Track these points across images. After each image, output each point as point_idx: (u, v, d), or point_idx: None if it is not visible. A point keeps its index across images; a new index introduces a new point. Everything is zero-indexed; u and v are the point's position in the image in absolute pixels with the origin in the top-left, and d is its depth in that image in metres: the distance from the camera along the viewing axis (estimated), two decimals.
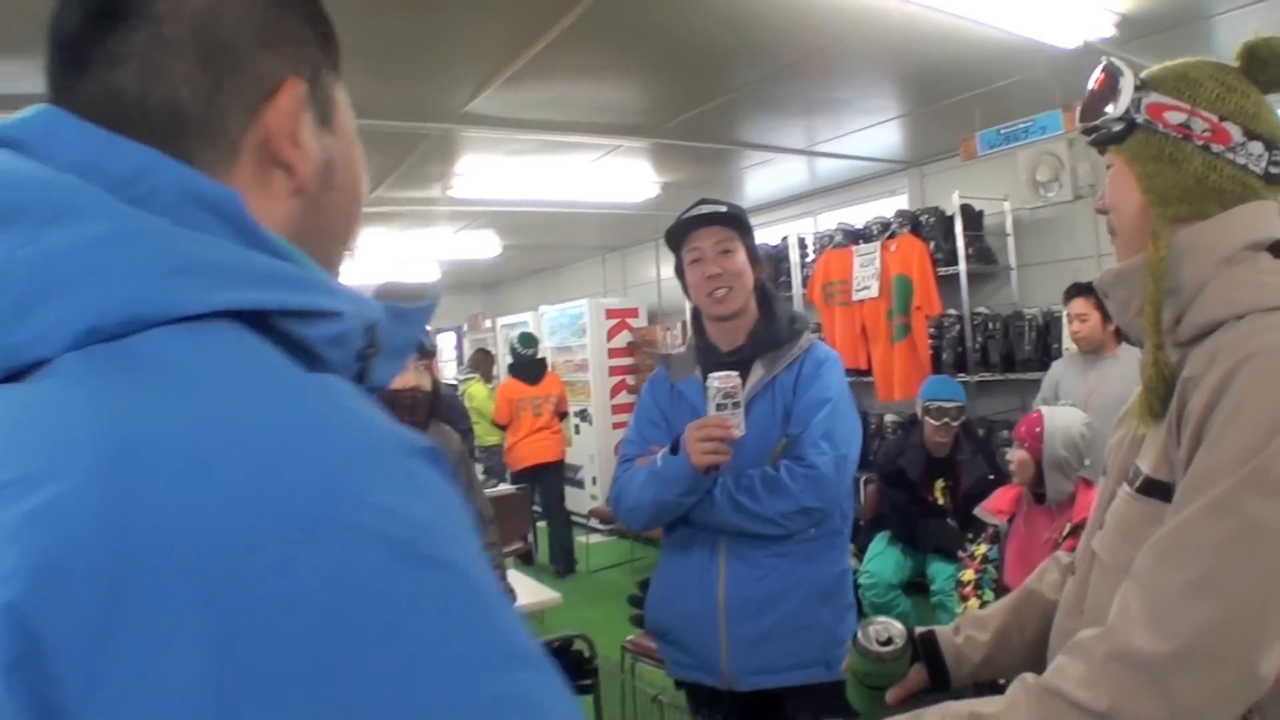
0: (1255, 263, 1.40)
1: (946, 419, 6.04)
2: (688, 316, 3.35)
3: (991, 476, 6.02)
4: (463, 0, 4.26)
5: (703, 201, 2.98)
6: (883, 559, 6.18)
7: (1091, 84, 1.62)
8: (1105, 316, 5.27)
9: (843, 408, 2.81)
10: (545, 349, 12.14)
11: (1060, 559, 1.89)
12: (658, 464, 2.74)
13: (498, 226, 10.80)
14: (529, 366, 10.10)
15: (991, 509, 4.77)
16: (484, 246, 11.89)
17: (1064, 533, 4.22)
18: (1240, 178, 1.45)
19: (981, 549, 4.75)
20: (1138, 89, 1.53)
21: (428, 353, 3.49)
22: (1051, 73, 5.49)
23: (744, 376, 2.79)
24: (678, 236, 2.99)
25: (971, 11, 4.50)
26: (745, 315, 2.95)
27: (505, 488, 8.66)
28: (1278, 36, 1.48)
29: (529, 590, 5.13)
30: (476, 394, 11.41)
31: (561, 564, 9.55)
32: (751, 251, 2.96)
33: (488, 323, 15.41)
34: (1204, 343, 1.37)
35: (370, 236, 10.84)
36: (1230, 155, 1.45)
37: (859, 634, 1.82)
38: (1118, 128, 1.55)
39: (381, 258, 12.14)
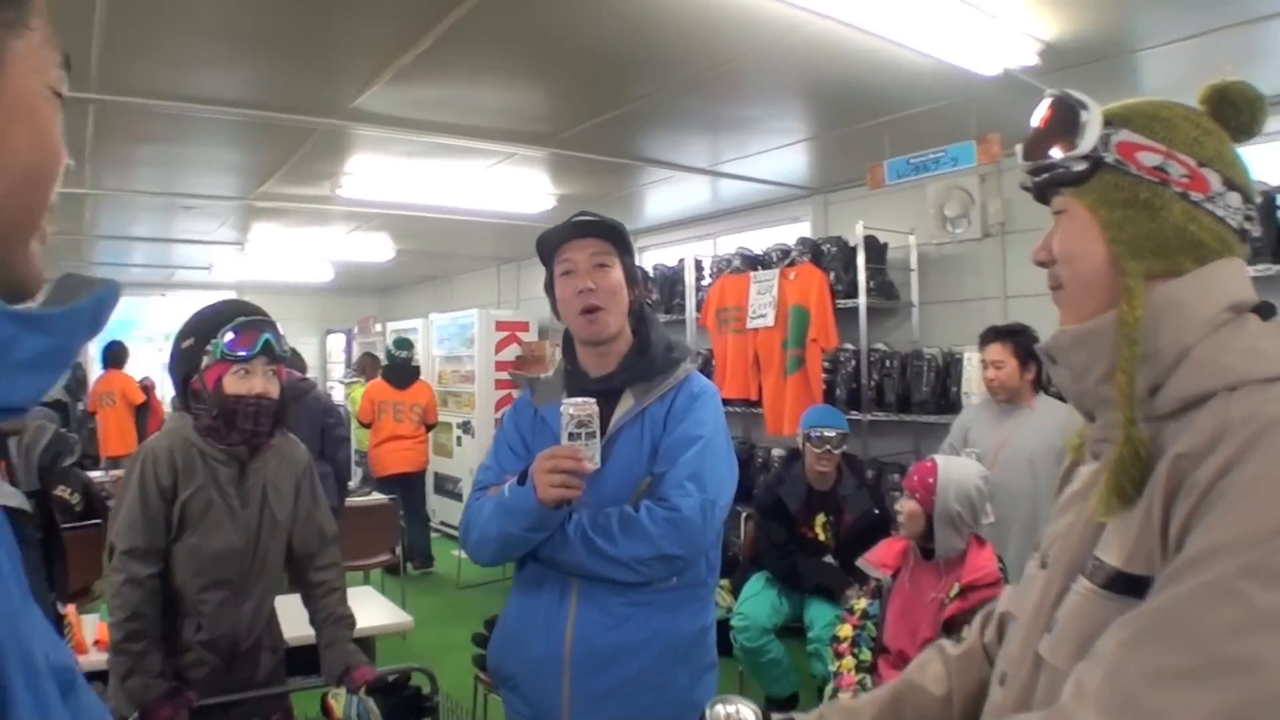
0: (1242, 325, 1.24)
1: (828, 446, 5.79)
2: None
3: (877, 511, 5.86)
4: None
5: (581, 214, 2.76)
6: (758, 601, 5.90)
7: (1037, 120, 1.46)
8: (1022, 364, 5.10)
9: (716, 447, 2.61)
10: (434, 357, 12.48)
11: (946, 649, 1.69)
12: (505, 495, 2.53)
13: (391, 230, 10.72)
14: (400, 370, 10.07)
15: (875, 561, 4.49)
16: (377, 249, 11.86)
17: (951, 593, 3.99)
18: (1218, 231, 1.32)
19: (861, 603, 4.47)
20: (1107, 125, 1.34)
21: (278, 357, 3.23)
22: (967, 101, 5.31)
23: (612, 406, 2.64)
24: (549, 247, 2.76)
25: (887, 31, 4.25)
26: (619, 340, 2.75)
27: (377, 497, 8.62)
28: (1244, 81, 1.36)
29: (380, 612, 4.91)
30: (360, 397, 11.14)
31: (419, 560, 9.84)
32: (629, 270, 2.76)
33: (378, 327, 15.37)
34: (1192, 415, 1.21)
35: (259, 232, 10.69)
36: (1209, 205, 1.31)
37: (706, 713, 1.68)
38: (1079, 168, 1.37)
39: (271, 254, 12.02)
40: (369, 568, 8.12)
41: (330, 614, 3.44)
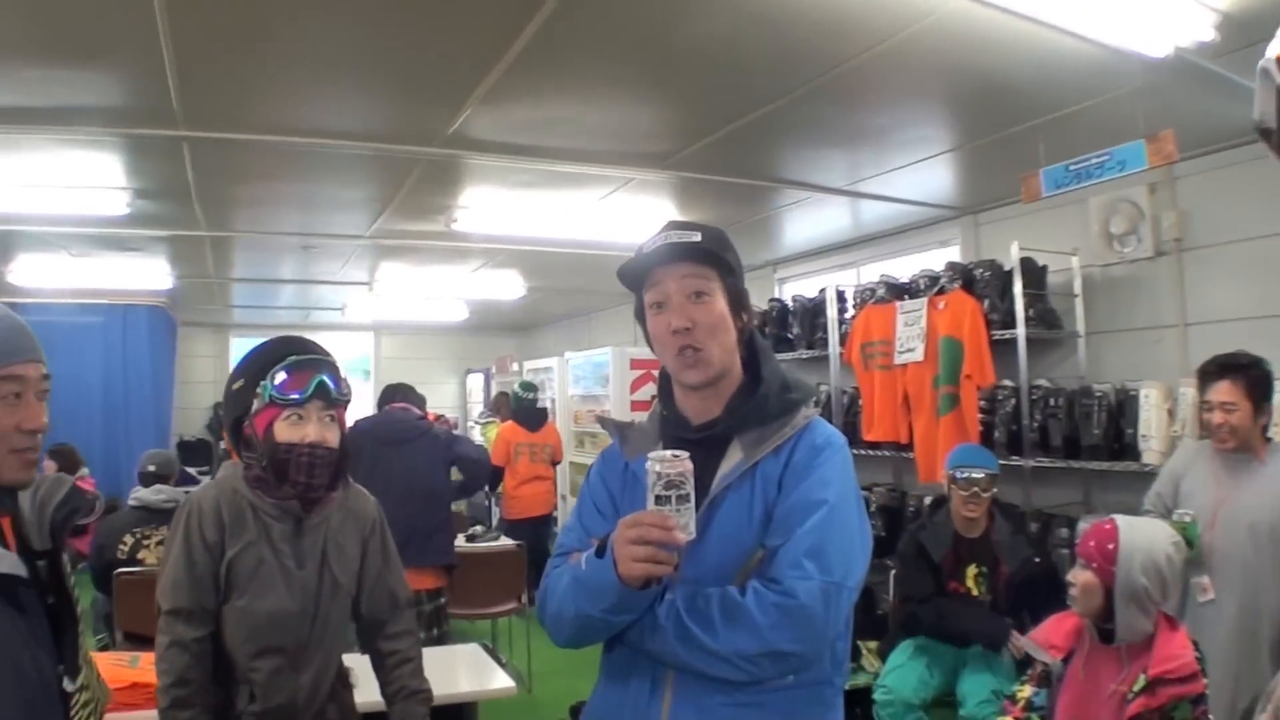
0: None
1: (976, 489, 5.23)
2: None
3: (1038, 559, 5.28)
4: (426, 11, 3.84)
5: (670, 226, 2.27)
6: (904, 672, 5.29)
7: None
8: (1256, 407, 4.27)
9: (843, 514, 2.12)
10: (569, 396, 12.49)
11: None
12: (581, 568, 2.11)
13: (519, 266, 10.52)
14: (530, 413, 10.12)
15: (1043, 641, 3.74)
16: (507, 287, 11.63)
17: (1136, 686, 3.26)
18: None
19: (1026, 691, 3.74)
20: None
21: (334, 401, 2.89)
22: (1133, 93, 4.58)
23: (716, 460, 2.19)
24: (635, 274, 2.29)
25: (1034, 8, 3.59)
26: (727, 378, 2.27)
27: (505, 543, 8.37)
28: None
29: (482, 675, 4.44)
30: (495, 438, 11.15)
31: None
32: (734, 294, 2.27)
33: (515, 366, 15.24)
34: None
35: (386, 271, 10.63)
36: None
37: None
38: None
39: (400, 293, 11.93)
40: (494, 616, 7.82)
41: (402, 688, 3.12)
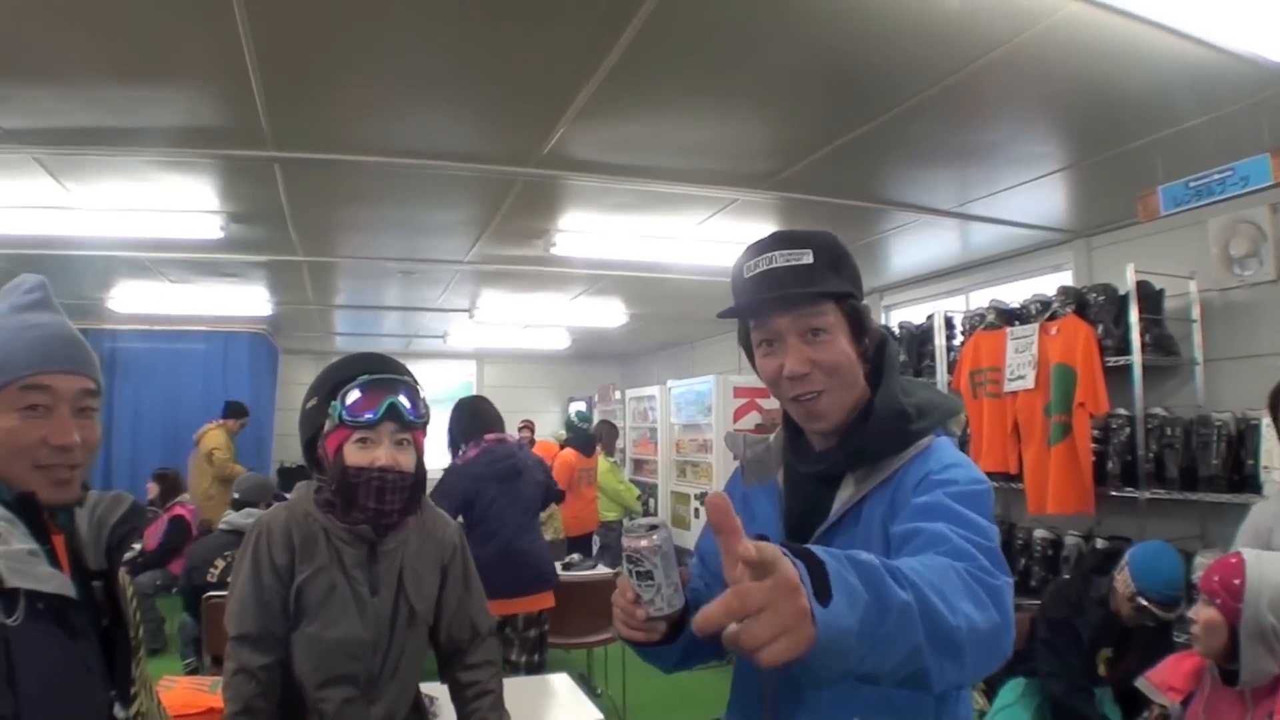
0: None
1: (1145, 621, 4.69)
2: None
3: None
4: (517, 25, 3.75)
5: (775, 243, 1.96)
6: (1014, 712, 5.03)
7: None
8: None
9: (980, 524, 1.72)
10: (671, 425, 12.55)
11: None
12: None
13: (621, 293, 10.47)
14: (585, 439, 10.71)
15: (1160, 683, 3.51)
16: (608, 314, 11.63)
17: None
18: None
19: None
20: None
21: (410, 424, 2.76)
22: (1256, 105, 4.35)
23: (832, 495, 1.94)
24: (738, 307, 2.01)
25: (1157, 11, 3.37)
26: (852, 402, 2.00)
27: (602, 570, 8.21)
28: None
29: (569, 709, 4.24)
30: (599, 465, 11.26)
31: None
32: (855, 320, 1.97)
33: (618, 395, 15.27)
34: None
35: (487, 298, 10.71)
36: None
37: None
38: None
39: (501, 320, 12.00)
40: (590, 645, 7.68)
41: None
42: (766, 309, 1.93)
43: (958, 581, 1.51)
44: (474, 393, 16.12)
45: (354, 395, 2.69)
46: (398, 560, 2.86)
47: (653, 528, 1.70)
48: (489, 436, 6.02)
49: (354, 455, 2.69)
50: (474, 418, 6.15)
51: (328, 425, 2.73)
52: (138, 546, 7.93)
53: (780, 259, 1.93)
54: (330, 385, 2.76)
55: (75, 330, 1.96)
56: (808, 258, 1.92)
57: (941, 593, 1.44)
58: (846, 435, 1.97)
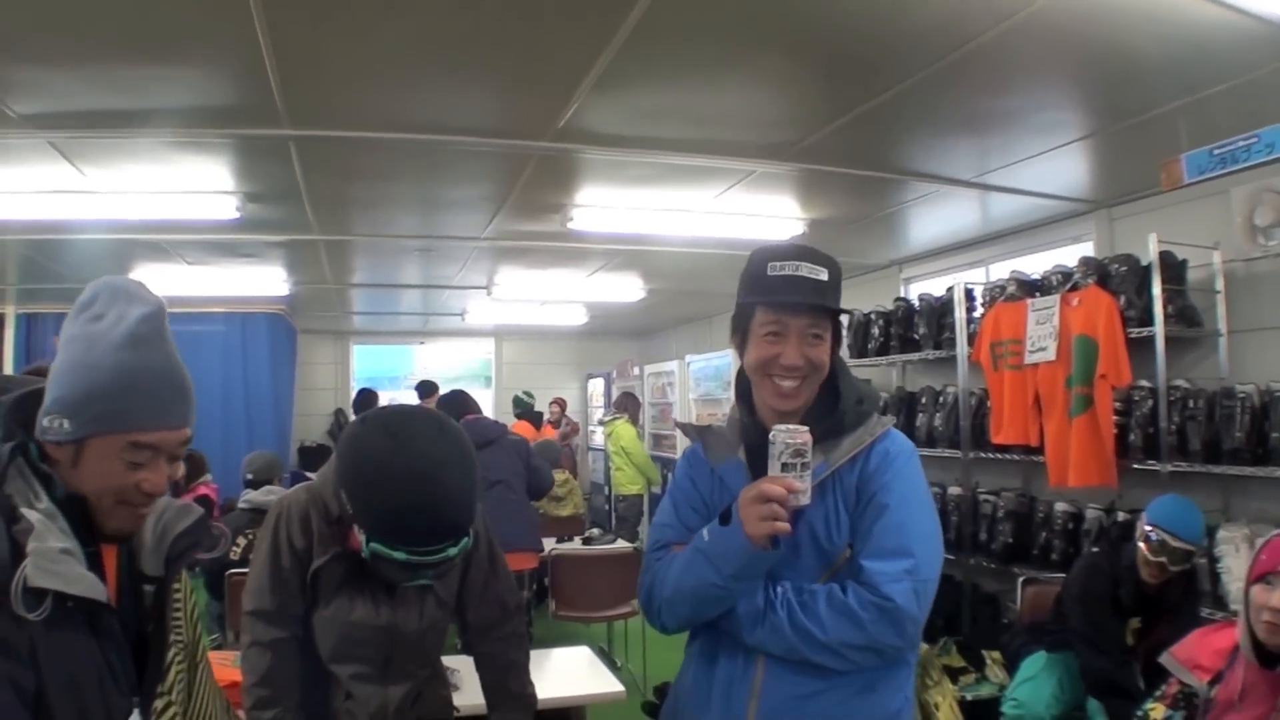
0: None
1: (1164, 559, 4.76)
2: None
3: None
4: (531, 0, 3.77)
5: (801, 255, 2.41)
6: (1037, 685, 5.06)
7: None
8: None
9: (919, 518, 2.38)
10: (690, 400, 12.99)
11: None
12: (704, 539, 2.33)
13: (637, 268, 10.43)
14: (531, 414, 12.09)
15: (1186, 660, 3.34)
16: (626, 290, 11.57)
17: None
18: None
19: (1160, 712, 3.37)
20: None
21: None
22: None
23: None
24: (754, 298, 2.44)
25: None
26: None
27: (622, 545, 8.47)
28: None
29: (590, 679, 4.41)
30: (624, 433, 11.77)
31: None
32: (838, 335, 2.50)
33: (636, 370, 15.39)
34: None
35: (504, 275, 10.68)
36: None
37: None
38: None
39: (519, 297, 11.96)
40: (609, 619, 7.82)
41: (505, 692, 3.07)
42: (791, 307, 2.36)
43: (843, 609, 2.25)
44: (492, 370, 16.31)
45: (386, 560, 2.53)
46: None
47: (798, 428, 2.20)
48: (468, 417, 7.26)
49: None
50: (454, 405, 7.44)
51: (358, 528, 2.61)
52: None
53: (806, 270, 2.37)
54: (374, 528, 2.55)
55: (182, 369, 1.91)
56: (825, 275, 2.38)
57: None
58: (810, 416, 2.41)
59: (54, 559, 1.67)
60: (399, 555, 2.51)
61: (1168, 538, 4.74)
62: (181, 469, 1.94)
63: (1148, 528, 4.84)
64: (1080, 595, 5.10)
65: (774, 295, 2.38)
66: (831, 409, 2.43)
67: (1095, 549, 5.26)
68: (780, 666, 2.32)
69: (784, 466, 2.19)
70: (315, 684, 2.91)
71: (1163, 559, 4.75)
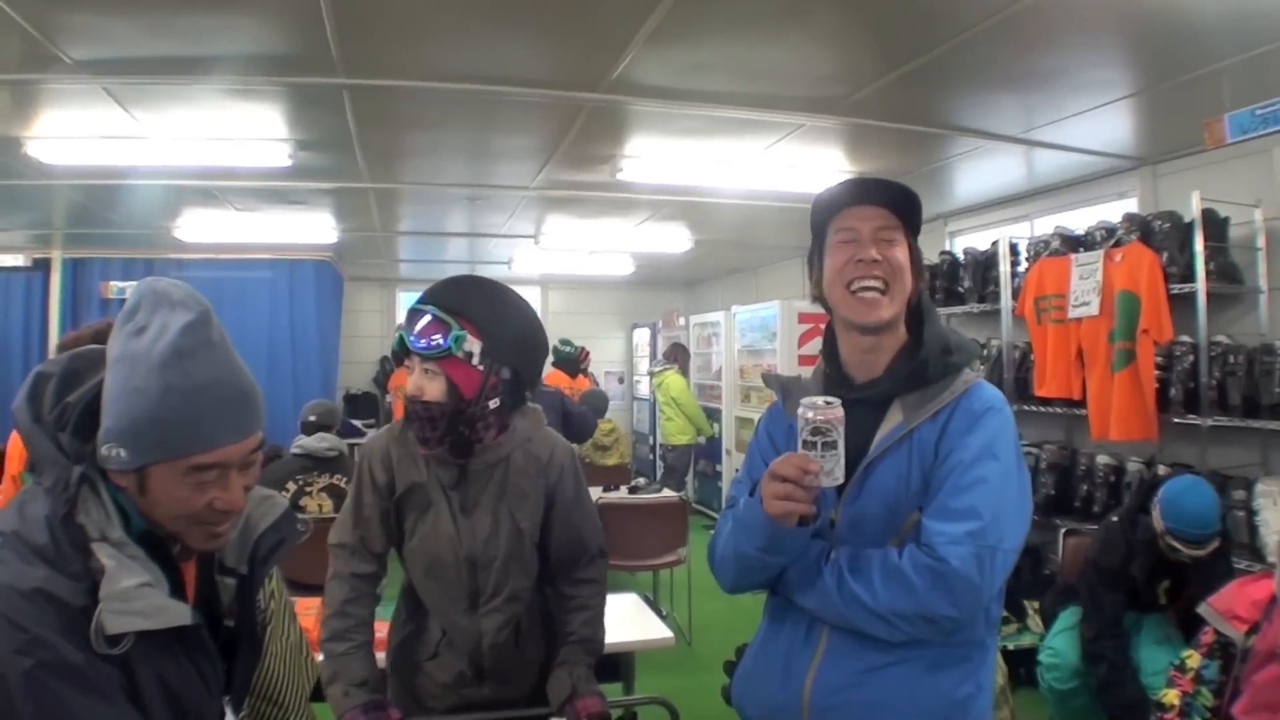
0: None
1: (1179, 560, 4.71)
2: None
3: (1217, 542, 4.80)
4: None
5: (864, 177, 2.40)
6: (1072, 635, 5.07)
7: None
8: None
9: (1001, 480, 2.15)
10: (735, 351, 12.65)
11: None
12: (740, 508, 2.26)
13: (685, 219, 10.37)
14: (569, 362, 11.22)
15: (1223, 609, 3.43)
16: (673, 240, 11.52)
17: None
18: None
19: (1195, 660, 3.48)
20: None
21: (422, 354, 2.77)
22: None
23: (875, 421, 2.26)
24: (825, 213, 2.37)
25: None
26: (893, 335, 2.33)
27: (668, 494, 8.44)
28: None
29: (639, 625, 4.40)
30: (674, 384, 11.63)
31: None
32: (915, 254, 2.35)
33: (681, 320, 15.22)
34: None
35: (552, 224, 10.66)
36: None
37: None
38: None
39: (566, 246, 11.94)
40: (655, 568, 7.81)
41: (572, 633, 3.06)
42: (863, 200, 2.30)
43: (895, 574, 2.09)
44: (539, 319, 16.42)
45: (402, 323, 2.79)
46: (498, 478, 2.92)
47: (829, 402, 2.05)
48: None
49: (404, 381, 2.82)
50: None
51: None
52: None
53: (871, 179, 2.32)
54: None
55: (243, 373, 1.82)
56: (894, 184, 2.31)
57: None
58: (894, 366, 2.30)
59: (129, 597, 1.62)
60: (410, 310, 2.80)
61: (1180, 545, 4.66)
62: (257, 473, 1.82)
63: (1163, 527, 4.73)
64: (1089, 566, 5.17)
65: (844, 199, 2.32)
66: (915, 357, 2.28)
67: (1114, 518, 5.27)
68: (843, 638, 2.19)
69: (804, 444, 2.04)
70: (414, 624, 3.07)
71: (1183, 559, 4.71)
